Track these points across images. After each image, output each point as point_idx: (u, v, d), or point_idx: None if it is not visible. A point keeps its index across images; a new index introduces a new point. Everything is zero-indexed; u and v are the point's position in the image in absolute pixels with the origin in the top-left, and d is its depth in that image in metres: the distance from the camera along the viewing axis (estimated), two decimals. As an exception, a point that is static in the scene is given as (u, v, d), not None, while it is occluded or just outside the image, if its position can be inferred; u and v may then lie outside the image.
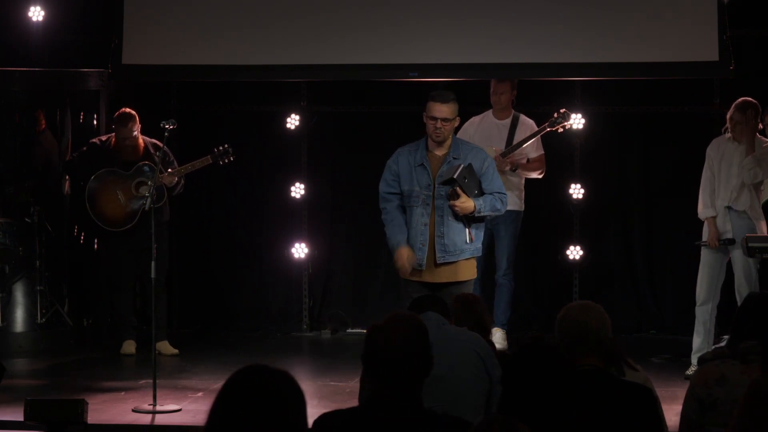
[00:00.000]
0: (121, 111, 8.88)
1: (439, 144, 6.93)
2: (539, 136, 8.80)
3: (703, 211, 8.00)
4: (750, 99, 7.91)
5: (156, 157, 8.63)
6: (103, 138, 9.06)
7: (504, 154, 8.71)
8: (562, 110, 8.72)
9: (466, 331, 5.06)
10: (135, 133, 8.81)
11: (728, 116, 7.95)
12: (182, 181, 8.89)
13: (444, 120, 6.86)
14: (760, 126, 7.97)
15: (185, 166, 8.80)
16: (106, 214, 8.88)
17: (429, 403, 3.63)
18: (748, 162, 7.80)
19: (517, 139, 8.81)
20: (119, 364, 8.78)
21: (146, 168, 8.77)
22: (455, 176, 6.71)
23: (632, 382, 4.26)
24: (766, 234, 7.88)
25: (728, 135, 7.96)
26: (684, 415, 4.51)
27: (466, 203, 6.78)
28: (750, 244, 7.58)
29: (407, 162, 6.95)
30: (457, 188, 6.74)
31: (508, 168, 8.71)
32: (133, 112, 8.85)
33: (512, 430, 2.98)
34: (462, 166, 6.77)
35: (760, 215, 7.95)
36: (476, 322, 5.39)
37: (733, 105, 7.94)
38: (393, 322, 3.61)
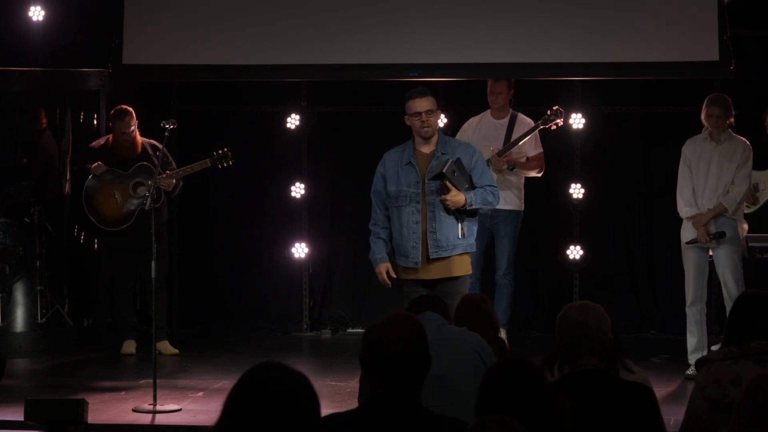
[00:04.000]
0: (117, 107, 8.90)
1: (427, 140, 6.91)
2: (535, 133, 8.81)
3: (686, 210, 8.00)
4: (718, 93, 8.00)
5: (155, 158, 8.64)
6: (102, 141, 9.06)
7: (500, 153, 8.71)
8: (555, 107, 8.73)
9: (465, 330, 5.06)
10: (132, 127, 8.81)
11: (704, 113, 7.94)
12: (180, 183, 8.89)
13: (428, 112, 6.87)
14: (731, 120, 7.97)
15: (184, 168, 8.80)
16: (102, 213, 8.88)
17: (429, 403, 3.63)
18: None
19: (514, 138, 8.81)
20: (119, 364, 8.78)
21: (145, 169, 8.76)
22: (444, 170, 6.71)
23: (633, 382, 4.25)
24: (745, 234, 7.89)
25: (705, 134, 7.96)
26: (692, 417, 4.44)
27: (456, 197, 6.77)
28: (750, 244, 7.58)
29: (394, 163, 6.95)
30: (447, 182, 6.74)
31: (505, 167, 8.71)
32: (130, 108, 8.86)
33: (509, 430, 2.97)
34: (450, 160, 6.77)
35: (740, 216, 7.96)
36: (486, 322, 5.38)
37: (707, 101, 7.96)
38: (390, 322, 3.60)
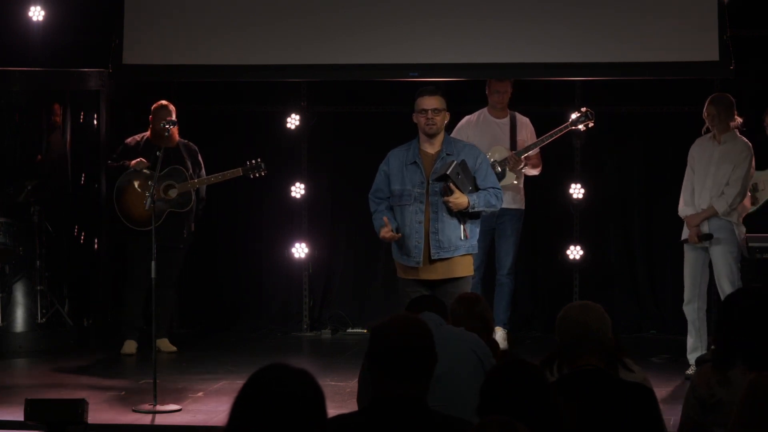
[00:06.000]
0: (161, 101, 8.96)
1: (431, 138, 6.92)
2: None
3: (682, 209, 8.08)
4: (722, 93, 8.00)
5: (187, 160, 8.82)
6: (138, 138, 9.06)
7: (519, 153, 8.73)
8: (584, 109, 8.77)
9: (464, 331, 5.06)
10: (174, 118, 8.76)
11: (704, 113, 7.97)
12: (204, 198, 9.09)
13: (434, 110, 6.89)
14: (739, 120, 7.98)
15: (215, 175, 8.91)
16: (130, 212, 8.92)
17: (428, 403, 3.62)
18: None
19: (519, 138, 8.83)
20: (119, 364, 8.78)
21: (177, 171, 8.79)
22: (448, 172, 6.72)
23: (632, 382, 4.25)
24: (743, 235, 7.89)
25: (710, 134, 7.98)
26: (685, 416, 4.46)
27: (459, 199, 6.77)
28: (750, 244, 7.58)
29: (399, 161, 6.96)
30: (450, 184, 6.74)
31: (521, 167, 8.74)
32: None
33: (511, 431, 2.98)
34: (455, 162, 6.77)
35: (735, 217, 7.94)
36: (480, 322, 5.39)
37: (707, 100, 8.00)
38: (396, 319, 3.62)
